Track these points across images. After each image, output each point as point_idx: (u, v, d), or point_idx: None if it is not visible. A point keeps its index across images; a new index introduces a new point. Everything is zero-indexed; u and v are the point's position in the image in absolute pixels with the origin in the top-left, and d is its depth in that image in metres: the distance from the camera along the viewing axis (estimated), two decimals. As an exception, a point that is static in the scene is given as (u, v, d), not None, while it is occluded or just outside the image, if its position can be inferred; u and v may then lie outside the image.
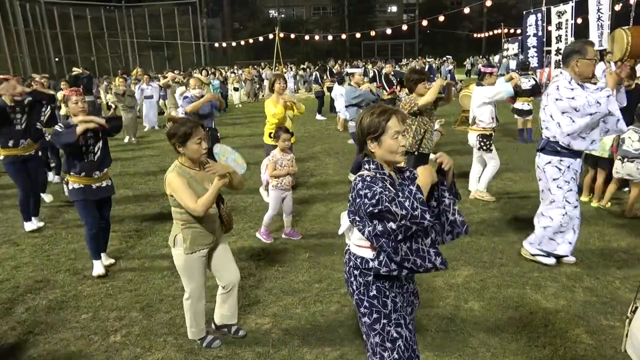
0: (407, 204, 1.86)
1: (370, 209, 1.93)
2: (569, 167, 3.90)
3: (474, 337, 3.17)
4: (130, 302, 3.83)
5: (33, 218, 5.64)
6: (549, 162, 3.96)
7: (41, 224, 5.71)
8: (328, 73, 15.03)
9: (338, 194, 6.58)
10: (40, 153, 5.82)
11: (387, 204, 1.88)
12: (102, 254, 4.48)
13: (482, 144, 5.87)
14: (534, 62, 14.97)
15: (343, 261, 2.34)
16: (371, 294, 2.16)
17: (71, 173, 4.20)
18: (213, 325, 3.35)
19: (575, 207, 4.01)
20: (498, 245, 4.61)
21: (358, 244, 2.17)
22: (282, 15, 50.84)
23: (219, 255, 3.11)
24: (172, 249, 2.97)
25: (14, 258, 4.82)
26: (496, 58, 20.38)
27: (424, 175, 1.98)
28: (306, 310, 3.60)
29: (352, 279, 2.21)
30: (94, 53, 43.25)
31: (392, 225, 1.93)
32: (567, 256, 4.14)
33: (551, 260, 4.15)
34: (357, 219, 2.05)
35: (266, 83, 22.34)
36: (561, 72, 3.87)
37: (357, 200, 2.00)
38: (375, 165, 2.10)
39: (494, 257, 4.38)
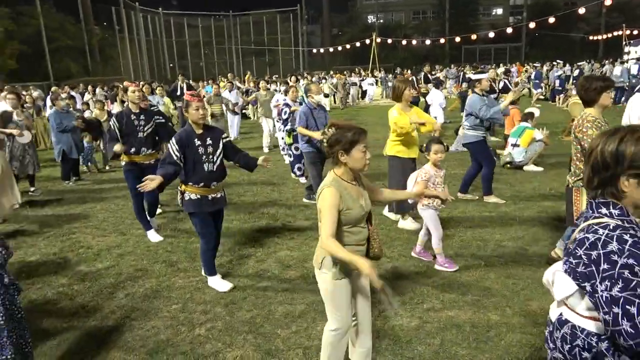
0: None
1: (629, 292, 1.41)
2: None
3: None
4: (216, 298, 4.00)
5: (151, 219, 5.65)
6: None
7: (156, 225, 5.70)
8: (422, 78, 14.62)
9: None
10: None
11: None
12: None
13: None
14: (661, 66, 13.32)
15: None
16: None
17: (189, 183, 3.98)
18: None
19: None
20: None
21: (589, 316, 1.61)
22: (381, 21, 50.69)
23: (359, 283, 2.74)
24: (318, 272, 2.61)
25: (120, 247, 5.28)
26: (617, 70, 17.93)
27: None
28: (385, 324, 3.48)
29: None
30: (203, 59, 46.53)
31: None
32: None
33: None
34: (590, 289, 1.51)
35: (352, 90, 22.22)
36: None
37: (604, 266, 1.46)
38: (620, 210, 1.55)
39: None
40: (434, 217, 4.30)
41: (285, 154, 9.07)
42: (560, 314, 1.71)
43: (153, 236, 5.46)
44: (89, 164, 9.51)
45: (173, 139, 3.98)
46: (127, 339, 3.45)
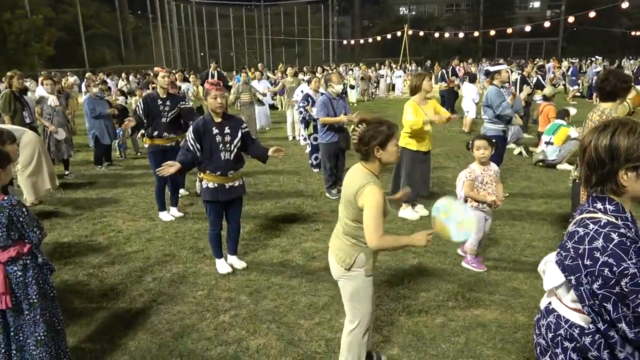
0: None
1: (606, 290, 1.43)
2: None
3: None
4: (240, 286, 4.04)
5: (172, 208, 5.85)
6: None
7: (181, 214, 5.86)
8: (450, 72, 14.30)
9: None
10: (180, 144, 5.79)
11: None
12: (234, 257, 4.45)
13: None
14: None
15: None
16: None
17: (206, 171, 4.03)
18: None
19: None
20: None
21: (574, 308, 1.62)
22: (413, 12, 49.92)
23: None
24: (344, 272, 2.59)
25: (149, 231, 5.39)
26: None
27: None
28: (409, 319, 3.45)
29: (559, 350, 1.64)
30: (233, 49, 46.87)
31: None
32: None
33: None
34: (574, 282, 1.52)
35: (382, 83, 21.95)
36: None
37: (587, 262, 1.46)
38: (615, 206, 1.51)
39: None
40: (480, 219, 4.10)
41: (307, 144, 9.07)
42: (549, 303, 1.73)
43: (164, 216, 5.76)
44: (122, 149, 9.72)
45: (190, 128, 4.03)
46: (153, 322, 3.53)
